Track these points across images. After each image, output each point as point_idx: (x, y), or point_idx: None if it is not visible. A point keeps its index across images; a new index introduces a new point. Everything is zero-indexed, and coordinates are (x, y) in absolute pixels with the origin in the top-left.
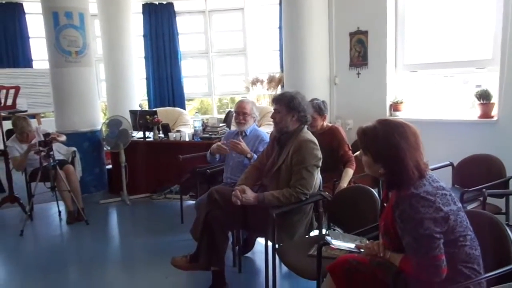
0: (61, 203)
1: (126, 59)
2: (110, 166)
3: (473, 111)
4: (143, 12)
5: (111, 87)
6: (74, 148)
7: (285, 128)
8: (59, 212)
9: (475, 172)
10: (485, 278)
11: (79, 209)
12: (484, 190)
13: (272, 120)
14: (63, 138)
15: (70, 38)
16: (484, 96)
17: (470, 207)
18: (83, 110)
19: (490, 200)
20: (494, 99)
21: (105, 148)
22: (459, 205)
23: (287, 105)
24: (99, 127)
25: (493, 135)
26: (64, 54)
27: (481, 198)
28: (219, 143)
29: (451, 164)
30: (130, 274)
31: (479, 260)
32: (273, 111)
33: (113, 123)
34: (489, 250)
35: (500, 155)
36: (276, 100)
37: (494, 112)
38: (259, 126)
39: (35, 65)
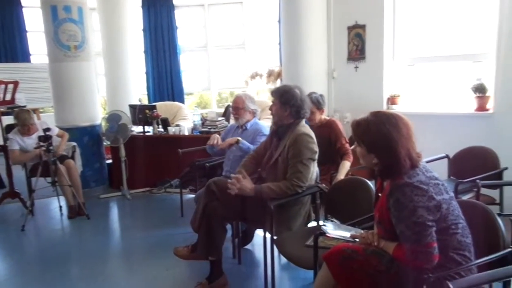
0: (62, 198)
1: (126, 54)
2: (110, 161)
3: (470, 104)
4: (142, 6)
5: (110, 82)
6: (74, 143)
7: (280, 121)
8: (60, 207)
9: (470, 164)
10: (475, 265)
11: (79, 203)
12: (478, 181)
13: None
14: (65, 144)
15: (69, 33)
16: (480, 89)
17: (465, 198)
18: (82, 104)
19: (484, 191)
20: (490, 92)
21: (104, 143)
22: (451, 194)
23: (280, 98)
24: (98, 122)
25: (489, 127)
26: (63, 49)
27: (475, 189)
28: (219, 136)
29: (446, 156)
30: (131, 266)
31: (470, 247)
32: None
33: (113, 117)
34: (481, 238)
35: (494, 147)
36: (273, 92)
37: (490, 105)
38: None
39: (34, 59)
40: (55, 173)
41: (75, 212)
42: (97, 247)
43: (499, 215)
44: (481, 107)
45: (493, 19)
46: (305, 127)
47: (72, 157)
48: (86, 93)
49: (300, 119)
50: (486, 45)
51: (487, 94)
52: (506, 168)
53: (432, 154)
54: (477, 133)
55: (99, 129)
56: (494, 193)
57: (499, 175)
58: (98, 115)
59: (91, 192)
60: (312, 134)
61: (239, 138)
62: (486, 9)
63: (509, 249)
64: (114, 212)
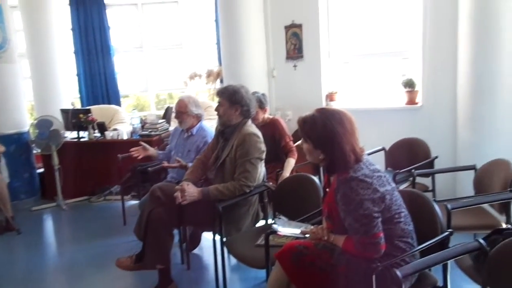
0: None
1: (53, 55)
2: (41, 170)
3: (401, 99)
4: (70, 4)
5: (37, 85)
6: None
7: (228, 122)
8: None
9: (405, 154)
10: (418, 250)
11: (7, 218)
12: (413, 171)
13: (213, 114)
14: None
15: None
16: (409, 84)
17: (402, 187)
18: (7, 110)
19: (418, 179)
20: (418, 87)
21: (34, 151)
22: (393, 185)
23: (230, 98)
24: (26, 129)
25: (418, 119)
26: None
27: (411, 179)
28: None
29: (383, 149)
30: (73, 283)
31: (413, 234)
32: (212, 105)
33: (43, 123)
34: (420, 224)
35: (425, 137)
36: (220, 93)
37: (419, 98)
38: None
39: None
40: None
41: (2, 227)
42: (31, 265)
43: (434, 201)
44: (411, 101)
45: (418, 18)
46: (252, 127)
47: None
48: (11, 98)
49: (247, 119)
50: (413, 42)
51: (415, 89)
52: (436, 157)
53: (369, 147)
54: (409, 125)
55: (27, 137)
56: (427, 181)
57: (431, 164)
58: (25, 122)
59: (21, 204)
60: (260, 133)
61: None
62: (411, 8)
63: (446, 233)
64: (49, 225)
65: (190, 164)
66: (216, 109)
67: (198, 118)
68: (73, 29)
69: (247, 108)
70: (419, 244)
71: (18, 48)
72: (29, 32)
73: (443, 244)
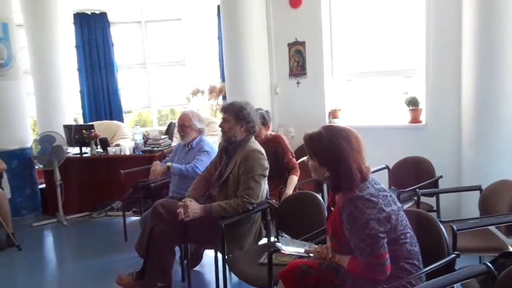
0: None
1: (57, 71)
2: (43, 186)
3: (404, 117)
4: (75, 22)
5: (41, 101)
6: None
7: (233, 138)
8: None
9: (408, 173)
10: (424, 273)
11: (8, 234)
12: (417, 190)
13: (215, 130)
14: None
15: None
16: (412, 103)
17: (405, 206)
18: (11, 126)
19: (422, 199)
20: (422, 105)
21: (37, 167)
22: (399, 205)
23: (236, 115)
24: (29, 144)
25: (422, 138)
26: None
27: (416, 198)
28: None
29: (387, 167)
30: None
31: (419, 255)
32: (215, 121)
33: (45, 139)
34: (426, 245)
35: (429, 156)
36: (225, 109)
37: (422, 117)
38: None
39: None
40: None
41: (3, 243)
42: (31, 281)
43: (440, 222)
44: (415, 119)
45: (421, 37)
46: (255, 144)
47: None
48: (15, 114)
49: (251, 135)
50: (416, 61)
51: (419, 107)
52: (441, 177)
53: (372, 165)
54: (412, 144)
55: (30, 152)
56: (431, 201)
57: (435, 183)
58: (28, 137)
59: (22, 220)
60: (263, 150)
61: (170, 164)
62: (414, 28)
63: (453, 255)
64: (49, 241)
65: (174, 164)
66: (221, 125)
67: (200, 132)
68: (77, 46)
69: (253, 124)
70: (425, 265)
71: (23, 65)
72: (34, 49)
73: (449, 266)
